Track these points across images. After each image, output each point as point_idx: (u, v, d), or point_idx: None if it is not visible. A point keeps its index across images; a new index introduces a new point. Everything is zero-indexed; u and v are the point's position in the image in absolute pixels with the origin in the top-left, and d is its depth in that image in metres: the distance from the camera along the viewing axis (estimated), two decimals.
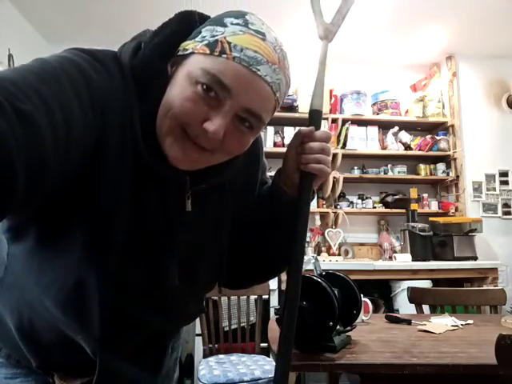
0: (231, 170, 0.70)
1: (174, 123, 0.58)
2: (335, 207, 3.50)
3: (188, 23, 0.63)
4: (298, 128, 3.51)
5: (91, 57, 0.57)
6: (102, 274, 0.61)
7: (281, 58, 0.60)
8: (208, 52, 0.57)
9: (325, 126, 3.48)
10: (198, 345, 2.49)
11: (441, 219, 3.41)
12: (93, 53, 0.59)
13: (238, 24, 0.59)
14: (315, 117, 0.74)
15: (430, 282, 2.96)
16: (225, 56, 0.56)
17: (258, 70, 0.57)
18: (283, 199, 0.75)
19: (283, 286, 2.74)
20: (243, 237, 0.78)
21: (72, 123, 0.49)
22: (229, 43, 0.56)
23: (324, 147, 0.71)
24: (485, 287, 2.80)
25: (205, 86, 0.56)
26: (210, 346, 2.20)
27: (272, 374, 2.07)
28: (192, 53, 0.58)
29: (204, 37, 0.59)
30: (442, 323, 1.47)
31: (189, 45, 0.59)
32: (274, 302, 2.67)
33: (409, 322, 1.50)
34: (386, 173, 3.58)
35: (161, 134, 0.59)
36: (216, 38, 0.57)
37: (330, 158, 0.73)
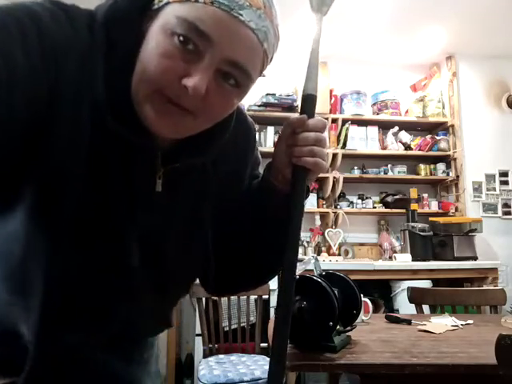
0: (213, 150, 0.62)
1: (151, 87, 0.51)
2: (335, 207, 3.50)
3: None
4: None
5: (58, 7, 0.52)
6: (48, 244, 0.54)
7: (266, 2, 0.53)
8: None
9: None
10: (198, 345, 2.49)
11: (441, 219, 3.41)
12: (62, 4, 0.53)
13: None
14: (309, 102, 0.65)
15: (429, 282, 2.96)
16: (202, 1, 0.49)
17: (241, 14, 0.50)
18: (275, 196, 0.67)
19: None
20: (232, 236, 0.71)
21: (15, 69, 0.45)
22: None
23: (319, 138, 0.63)
24: (485, 287, 2.80)
25: (181, 38, 0.49)
26: (210, 346, 2.20)
27: None
28: (167, 3, 0.51)
29: None
30: (442, 323, 1.47)
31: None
32: (274, 302, 2.65)
33: (409, 322, 1.50)
34: (386, 173, 3.58)
35: (138, 102, 0.53)
36: None
37: (326, 149, 0.66)
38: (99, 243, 0.57)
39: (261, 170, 0.75)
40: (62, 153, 0.51)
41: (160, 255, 0.64)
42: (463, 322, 1.50)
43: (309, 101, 0.65)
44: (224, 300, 2.35)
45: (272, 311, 2.51)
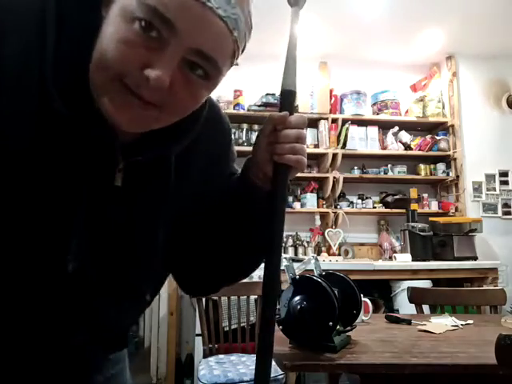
0: (180, 143, 0.59)
1: (109, 75, 0.47)
2: (335, 207, 3.50)
3: None
4: None
5: None
6: None
7: None
8: None
9: (325, 126, 3.49)
10: (198, 345, 2.49)
11: (441, 219, 3.41)
12: None
13: None
14: (288, 98, 0.64)
15: (430, 282, 2.96)
16: None
17: (208, 0, 0.45)
18: (255, 194, 0.65)
19: (283, 286, 2.74)
20: (208, 234, 0.68)
21: None
22: None
23: (300, 135, 0.62)
24: (485, 287, 2.80)
25: (143, 23, 0.44)
26: (210, 346, 2.20)
27: (272, 374, 2.08)
28: None
29: None
30: (442, 323, 1.47)
31: None
32: None
33: (409, 322, 1.50)
34: (386, 173, 3.58)
35: (95, 91, 0.49)
36: None
37: (306, 146, 0.64)
38: (33, 240, 0.51)
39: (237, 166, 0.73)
40: (3, 124, 0.47)
41: (112, 256, 0.58)
42: (463, 322, 1.50)
43: (288, 96, 0.64)
44: (224, 300, 2.35)
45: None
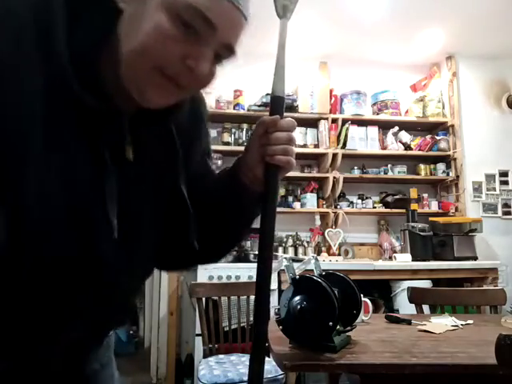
0: (174, 113, 0.61)
1: (151, 64, 0.51)
2: (335, 207, 3.50)
3: None
4: (297, 128, 3.51)
5: None
6: None
7: None
8: None
9: (325, 126, 3.49)
10: (198, 345, 2.49)
11: (441, 219, 3.41)
12: None
13: None
14: (278, 104, 0.71)
15: (429, 282, 2.96)
16: None
17: (239, 2, 0.52)
18: (243, 192, 0.69)
19: (283, 286, 2.74)
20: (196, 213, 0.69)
21: None
22: None
23: (291, 137, 0.68)
24: (485, 287, 2.80)
25: (187, 23, 0.50)
26: (210, 346, 2.20)
27: (271, 375, 2.07)
28: None
29: None
30: (442, 323, 1.47)
31: None
32: (274, 302, 2.66)
33: (409, 322, 1.50)
34: (386, 173, 3.58)
35: (134, 80, 0.53)
36: None
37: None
38: (63, 221, 0.51)
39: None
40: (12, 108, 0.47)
41: (134, 229, 0.60)
42: (463, 322, 1.50)
43: (278, 102, 0.71)
44: (224, 300, 2.35)
45: (272, 311, 2.51)
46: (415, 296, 1.92)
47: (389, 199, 3.56)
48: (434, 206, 3.63)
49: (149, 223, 0.63)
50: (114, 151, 0.56)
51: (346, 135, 3.45)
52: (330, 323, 1.03)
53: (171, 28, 0.50)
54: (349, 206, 3.54)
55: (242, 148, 3.36)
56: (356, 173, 3.56)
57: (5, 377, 0.56)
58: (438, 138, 3.65)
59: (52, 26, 0.49)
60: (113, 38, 0.52)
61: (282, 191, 3.54)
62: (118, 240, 0.56)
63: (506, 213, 3.64)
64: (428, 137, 3.66)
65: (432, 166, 3.70)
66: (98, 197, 0.54)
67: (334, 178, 3.44)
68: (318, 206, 3.48)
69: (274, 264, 1.17)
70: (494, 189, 3.65)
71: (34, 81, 0.48)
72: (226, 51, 0.56)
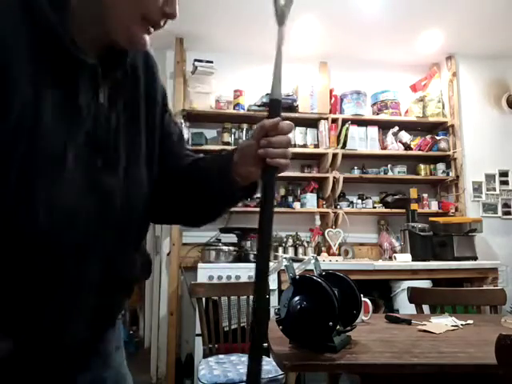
0: (128, 55, 0.68)
1: (140, 14, 0.61)
2: (335, 207, 3.50)
3: None
4: (297, 128, 3.52)
5: None
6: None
7: None
8: None
9: (325, 126, 3.49)
10: (198, 345, 2.49)
11: (441, 219, 3.41)
12: None
13: None
14: (276, 107, 0.73)
15: (429, 282, 2.96)
16: None
17: None
18: (233, 186, 0.75)
19: (283, 286, 2.74)
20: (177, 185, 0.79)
21: None
22: None
23: (290, 140, 0.72)
24: (485, 287, 2.80)
25: None
26: (210, 346, 2.20)
27: (271, 375, 2.07)
28: None
29: None
30: (442, 323, 1.47)
31: None
32: (274, 302, 2.67)
33: (409, 322, 1.50)
34: (385, 173, 3.58)
35: (124, 27, 0.61)
36: None
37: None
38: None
39: None
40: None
41: (114, 161, 0.66)
42: (463, 322, 1.50)
43: (276, 105, 0.73)
44: (224, 300, 2.35)
45: (272, 311, 2.51)
46: (415, 296, 1.92)
47: (389, 199, 3.56)
48: (434, 206, 3.63)
49: (126, 162, 0.68)
50: (88, 95, 0.62)
51: (346, 135, 3.45)
52: (330, 323, 1.03)
53: None
54: (349, 205, 3.54)
55: None
56: (356, 173, 3.56)
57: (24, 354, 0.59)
58: (437, 138, 3.65)
59: None
60: None
61: (282, 191, 3.54)
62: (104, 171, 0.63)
63: (506, 213, 3.64)
64: (428, 137, 3.66)
65: (432, 166, 3.70)
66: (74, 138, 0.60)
67: (334, 177, 3.44)
68: (318, 206, 3.48)
69: (274, 264, 1.18)
70: (494, 189, 3.65)
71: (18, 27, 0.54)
72: None
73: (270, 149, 0.69)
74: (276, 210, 3.40)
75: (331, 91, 3.61)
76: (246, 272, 2.78)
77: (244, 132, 3.41)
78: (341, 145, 3.46)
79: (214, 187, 0.76)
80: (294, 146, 3.47)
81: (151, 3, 0.62)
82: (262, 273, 0.69)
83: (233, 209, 3.34)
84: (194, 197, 0.79)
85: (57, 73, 0.58)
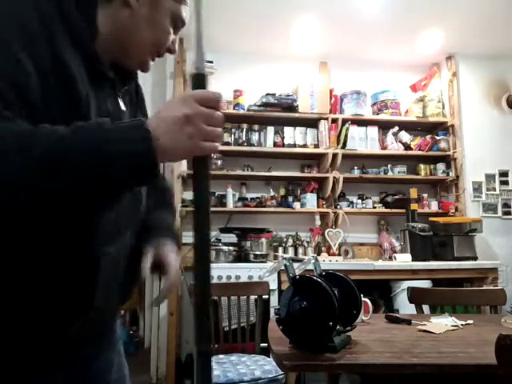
0: (135, 78, 0.88)
1: (153, 45, 0.79)
2: (335, 207, 3.50)
3: None
4: (297, 128, 3.52)
5: None
6: None
7: None
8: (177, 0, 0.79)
9: (325, 126, 3.49)
10: None
11: (441, 219, 3.41)
12: None
13: None
14: (202, 82, 0.64)
15: (429, 282, 2.96)
16: (185, 3, 0.81)
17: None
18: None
19: (283, 287, 2.74)
20: None
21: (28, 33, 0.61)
22: None
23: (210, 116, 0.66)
24: (485, 287, 2.80)
25: (177, 26, 0.81)
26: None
27: (272, 374, 2.06)
28: None
29: None
30: (442, 323, 1.47)
31: None
32: (274, 302, 2.67)
33: (409, 322, 1.50)
34: (385, 173, 3.58)
35: (138, 55, 0.79)
36: None
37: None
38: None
39: None
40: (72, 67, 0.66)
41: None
42: (463, 322, 1.50)
43: (202, 80, 0.66)
44: (224, 300, 2.36)
45: (272, 311, 2.51)
46: (415, 296, 1.92)
47: (389, 199, 3.56)
48: (434, 206, 3.63)
49: None
50: (113, 103, 0.76)
51: (346, 135, 3.45)
52: (330, 323, 1.03)
53: (168, 28, 0.80)
54: (349, 205, 3.54)
55: (241, 148, 3.37)
56: (356, 173, 3.56)
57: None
58: (437, 138, 3.64)
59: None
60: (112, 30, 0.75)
61: (282, 191, 3.54)
62: None
63: (506, 213, 3.64)
64: (428, 137, 3.66)
65: (432, 166, 3.70)
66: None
67: (334, 177, 3.44)
68: (317, 206, 3.48)
69: (274, 264, 1.17)
70: (494, 189, 3.65)
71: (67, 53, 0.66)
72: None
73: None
74: (276, 209, 3.41)
75: (331, 91, 3.61)
76: (246, 272, 2.78)
77: (244, 132, 3.41)
78: (341, 145, 3.45)
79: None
80: (294, 145, 3.48)
81: (164, 43, 0.80)
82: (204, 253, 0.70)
83: (233, 209, 3.35)
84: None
85: (92, 81, 0.69)
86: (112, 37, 0.74)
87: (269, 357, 2.16)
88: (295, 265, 1.19)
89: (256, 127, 3.45)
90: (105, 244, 0.69)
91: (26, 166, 0.52)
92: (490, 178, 3.66)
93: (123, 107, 0.78)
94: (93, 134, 0.57)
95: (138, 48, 0.78)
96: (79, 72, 0.66)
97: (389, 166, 3.60)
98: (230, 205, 3.32)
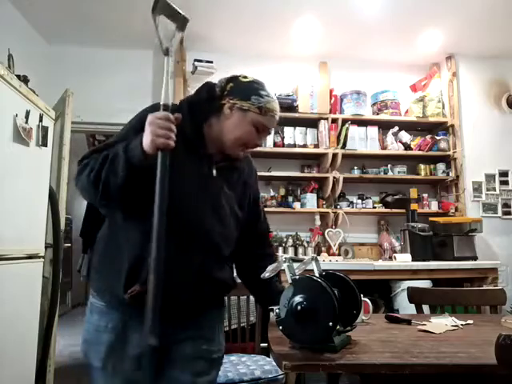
0: (240, 162, 1.23)
1: (242, 143, 1.14)
2: (335, 207, 3.50)
3: (209, 90, 1.17)
4: (297, 128, 3.52)
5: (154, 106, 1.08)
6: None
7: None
8: (259, 112, 1.12)
9: (325, 126, 3.49)
10: None
11: (441, 219, 3.41)
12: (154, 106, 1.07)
13: (267, 95, 1.13)
14: (167, 109, 0.96)
15: (429, 282, 2.96)
16: (270, 115, 1.14)
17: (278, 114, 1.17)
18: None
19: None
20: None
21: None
22: (267, 108, 1.12)
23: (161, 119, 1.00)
24: (485, 287, 2.80)
25: (260, 131, 1.14)
26: None
27: (272, 374, 2.06)
28: (248, 110, 1.11)
29: (254, 103, 1.11)
30: (442, 323, 1.47)
31: (245, 104, 1.11)
32: None
33: (409, 322, 1.50)
34: (385, 173, 3.58)
35: (232, 147, 1.15)
36: (261, 105, 1.11)
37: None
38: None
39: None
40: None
41: (217, 214, 1.13)
42: (463, 322, 1.50)
43: (166, 109, 0.97)
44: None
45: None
46: (415, 296, 1.92)
47: (389, 199, 3.56)
48: (434, 206, 3.63)
49: (228, 211, 1.17)
50: (208, 172, 1.14)
51: (346, 135, 3.45)
52: (330, 323, 1.03)
53: (254, 132, 1.13)
54: (349, 206, 3.54)
55: None
56: (356, 173, 3.56)
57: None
58: (437, 138, 3.65)
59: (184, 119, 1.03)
60: (213, 123, 1.15)
61: (282, 191, 3.54)
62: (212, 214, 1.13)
63: (505, 213, 3.64)
64: (428, 137, 3.66)
65: (432, 166, 3.71)
66: (200, 195, 1.12)
67: (334, 178, 3.44)
68: (317, 206, 3.49)
69: (274, 264, 1.17)
70: (494, 189, 3.65)
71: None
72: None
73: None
74: (276, 209, 3.41)
75: (331, 91, 3.61)
76: None
77: None
78: (341, 145, 3.46)
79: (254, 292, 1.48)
80: (294, 146, 3.48)
81: (251, 141, 1.15)
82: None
83: None
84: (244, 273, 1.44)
85: (195, 159, 1.12)
86: (217, 133, 1.14)
87: (269, 357, 2.16)
88: (295, 265, 1.19)
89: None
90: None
91: (90, 179, 1.01)
92: (489, 178, 3.66)
93: (214, 173, 1.14)
94: (118, 148, 0.99)
95: (229, 143, 1.14)
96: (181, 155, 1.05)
97: (389, 166, 3.61)
98: None
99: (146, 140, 0.93)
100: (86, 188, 1.02)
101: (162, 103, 0.96)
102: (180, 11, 0.99)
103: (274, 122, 1.14)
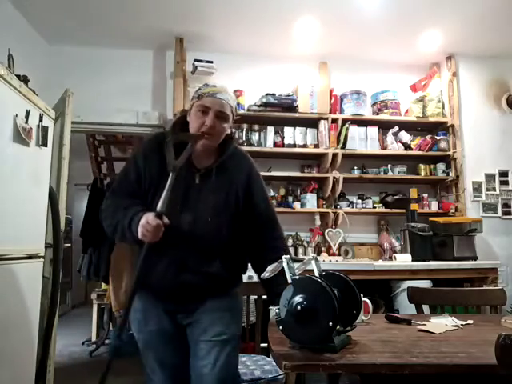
0: (218, 162, 1.42)
1: (197, 128, 1.37)
2: (335, 207, 3.50)
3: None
4: (297, 128, 3.51)
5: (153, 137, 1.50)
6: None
7: (225, 88, 1.43)
8: (198, 99, 1.39)
9: (325, 126, 3.49)
10: None
11: (441, 219, 3.41)
12: (156, 135, 1.52)
13: (207, 85, 1.43)
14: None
15: (429, 282, 2.96)
16: (206, 95, 1.38)
17: (220, 98, 1.39)
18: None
19: None
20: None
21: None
22: (203, 93, 1.39)
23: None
24: (485, 287, 2.80)
25: (203, 111, 1.37)
26: None
27: (271, 375, 2.06)
28: (193, 102, 1.41)
29: (195, 96, 1.41)
30: (442, 323, 1.47)
31: (192, 100, 1.43)
32: None
33: (409, 322, 1.50)
34: (386, 173, 3.58)
35: (193, 132, 1.39)
36: (199, 92, 1.40)
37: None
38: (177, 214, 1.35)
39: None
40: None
41: (201, 218, 1.36)
42: (463, 322, 1.50)
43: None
44: None
45: (272, 311, 2.50)
46: (415, 296, 1.92)
47: (389, 199, 3.56)
48: (434, 206, 3.63)
49: (211, 212, 1.38)
50: (191, 180, 1.40)
51: (346, 135, 3.45)
52: (330, 323, 1.03)
53: (201, 115, 1.37)
54: (349, 206, 3.54)
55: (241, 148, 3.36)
56: (356, 173, 3.56)
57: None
58: (437, 138, 3.65)
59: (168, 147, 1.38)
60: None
61: (282, 191, 3.54)
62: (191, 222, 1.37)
63: (505, 213, 3.64)
64: (428, 137, 3.66)
65: (432, 166, 3.71)
66: (184, 202, 1.38)
67: (334, 178, 3.44)
68: (317, 206, 3.49)
69: (274, 264, 1.17)
70: (494, 189, 3.65)
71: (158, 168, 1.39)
72: (221, 115, 1.38)
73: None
74: (276, 209, 3.39)
75: (331, 91, 3.61)
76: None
77: (244, 132, 3.41)
78: (341, 145, 3.46)
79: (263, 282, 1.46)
80: (294, 145, 3.48)
81: (203, 123, 1.37)
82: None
83: None
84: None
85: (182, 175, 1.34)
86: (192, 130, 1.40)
87: (269, 357, 2.16)
88: (295, 265, 1.19)
89: (256, 127, 3.46)
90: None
91: (106, 226, 1.42)
92: (489, 178, 3.66)
93: (197, 181, 1.39)
94: (125, 219, 1.32)
95: (192, 131, 1.38)
96: (159, 172, 1.37)
97: (389, 166, 3.60)
98: None
99: (139, 233, 1.25)
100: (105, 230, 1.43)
101: (157, 210, 1.23)
102: (193, 134, 1.39)
103: (213, 101, 1.35)
